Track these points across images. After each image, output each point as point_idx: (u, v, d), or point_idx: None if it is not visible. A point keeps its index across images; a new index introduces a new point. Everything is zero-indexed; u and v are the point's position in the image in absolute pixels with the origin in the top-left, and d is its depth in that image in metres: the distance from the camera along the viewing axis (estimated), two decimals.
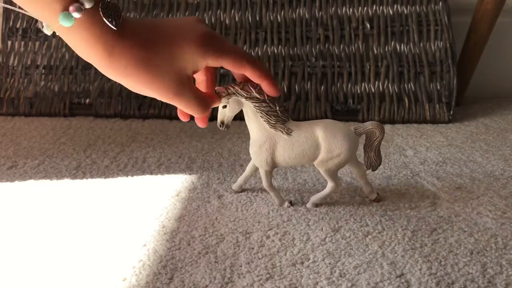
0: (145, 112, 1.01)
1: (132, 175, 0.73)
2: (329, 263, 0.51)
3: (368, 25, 1.05)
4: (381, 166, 0.76)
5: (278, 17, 1.06)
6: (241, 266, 0.51)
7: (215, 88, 0.58)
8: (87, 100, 1.03)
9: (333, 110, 1.00)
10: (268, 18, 1.06)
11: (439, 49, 1.03)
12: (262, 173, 0.62)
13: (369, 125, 0.61)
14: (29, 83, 1.05)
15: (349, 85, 1.02)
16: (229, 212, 0.62)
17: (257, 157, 0.62)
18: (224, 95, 0.58)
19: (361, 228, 0.58)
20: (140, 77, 0.48)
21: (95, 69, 1.05)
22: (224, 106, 0.59)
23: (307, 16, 1.06)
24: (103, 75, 1.04)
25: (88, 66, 1.05)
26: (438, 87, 1.01)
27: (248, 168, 0.66)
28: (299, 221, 0.60)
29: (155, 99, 1.01)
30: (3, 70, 1.07)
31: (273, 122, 0.60)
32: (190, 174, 0.73)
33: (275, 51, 1.05)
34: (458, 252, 0.53)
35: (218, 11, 1.07)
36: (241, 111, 0.60)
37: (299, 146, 0.60)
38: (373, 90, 1.01)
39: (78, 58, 1.06)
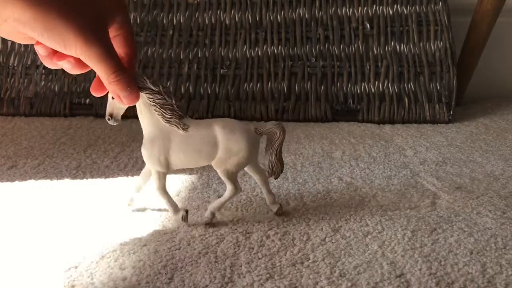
0: None
1: (133, 175, 0.73)
2: (329, 263, 0.51)
3: (368, 25, 1.05)
4: (381, 166, 0.76)
5: (278, 17, 1.06)
6: (241, 266, 0.51)
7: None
8: (87, 100, 1.03)
9: (333, 110, 1.00)
10: (268, 18, 1.06)
11: (439, 49, 1.03)
12: (154, 175, 0.57)
13: (269, 125, 0.58)
14: (29, 83, 1.05)
15: (349, 85, 1.02)
16: (229, 212, 0.62)
17: (149, 156, 0.56)
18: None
19: (361, 228, 0.58)
20: (52, 4, 0.43)
21: None
22: (113, 97, 0.53)
23: (307, 16, 1.06)
24: None
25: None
26: (438, 87, 1.01)
27: (142, 175, 0.60)
28: (299, 221, 0.60)
29: None
30: (3, 70, 1.07)
31: (168, 116, 0.55)
32: (190, 174, 0.73)
33: (275, 51, 1.05)
34: (458, 252, 0.53)
35: (218, 11, 1.07)
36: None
37: (196, 144, 0.56)
38: (373, 90, 1.01)
39: None
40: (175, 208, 0.59)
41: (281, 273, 0.49)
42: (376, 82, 1.02)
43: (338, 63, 1.03)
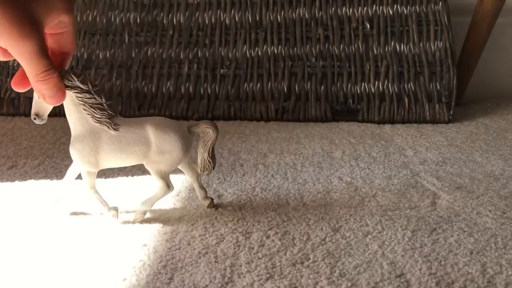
0: (145, 112, 1.01)
1: (132, 175, 0.73)
2: (329, 263, 0.51)
3: (368, 25, 1.05)
4: (381, 166, 0.76)
5: (278, 17, 1.06)
6: (241, 266, 0.51)
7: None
8: None
9: (333, 110, 1.00)
10: (268, 18, 1.06)
11: (439, 49, 1.03)
12: (84, 174, 0.56)
13: (202, 124, 0.58)
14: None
15: (349, 85, 1.02)
16: (229, 212, 0.62)
17: (79, 156, 0.55)
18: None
19: (361, 228, 0.58)
20: None
21: (95, 69, 1.05)
22: (39, 96, 0.52)
23: (307, 16, 1.06)
24: (103, 75, 1.04)
25: (88, 66, 1.05)
26: (438, 87, 1.01)
27: (69, 172, 0.59)
28: (299, 221, 0.60)
29: (155, 99, 1.01)
30: (3, 70, 1.07)
31: (98, 116, 0.54)
32: None
33: (275, 51, 1.05)
34: (458, 252, 0.53)
35: (218, 11, 1.07)
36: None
37: (128, 144, 0.55)
38: (373, 90, 1.01)
39: (78, 58, 1.06)
40: (106, 207, 0.58)
41: (281, 273, 0.49)
42: (376, 82, 1.02)
43: (338, 63, 1.03)
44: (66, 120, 0.57)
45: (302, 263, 0.51)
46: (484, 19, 1.03)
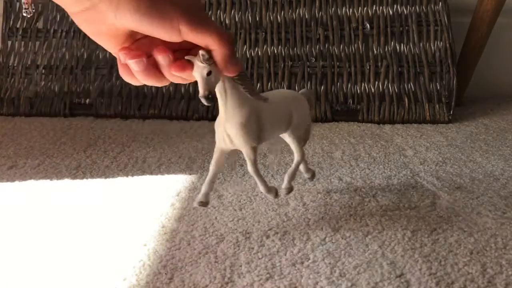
0: (145, 112, 1.01)
1: (132, 175, 0.73)
2: (329, 263, 0.51)
3: (368, 25, 1.05)
4: (381, 166, 0.76)
5: (278, 17, 1.06)
6: (241, 266, 0.51)
7: (185, 57, 0.49)
8: (88, 100, 1.03)
9: (333, 110, 1.00)
10: (268, 18, 1.06)
11: (439, 49, 1.03)
12: (249, 151, 0.56)
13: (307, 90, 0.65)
14: (29, 83, 1.05)
15: (349, 85, 1.02)
16: (229, 212, 0.62)
17: (249, 134, 0.55)
18: (207, 56, 0.48)
19: (361, 228, 0.58)
20: None
21: (95, 69, 1.05)
22: (209, 73, 0.49)
23: (307, 16, 1.06)
24: (103, 75, 1.04)
25: (88, 66, 1.05)
26: (438, 87, 1.01)
27: (214, 166, 0.57)
28: (299, 221, 0.60)
29: (155, 99, 1.01)
30: (3, 70, 1.07)
31: (251, 88, 0.54)
32: (190, 174, 0.73)
33: (275, 51, 1.05)
34: (458, 252, 0.53)
35: (218, 11, 1.07)
36: None
37: (278, 114, 0.58)
38: (373, 90, 1.01)
39: (78, 58, 1.06)
40: (267, 188, 0.57)
41: (281, 273, 0.49)
42: (376, 82, 1.02)
43: (338, 63, 1.03)
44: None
45: (302, 263, 0.51)
46: (484, 19, 1.03)
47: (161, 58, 0.48)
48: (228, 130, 0.55)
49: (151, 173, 0.74)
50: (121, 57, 0.47)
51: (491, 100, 1.13)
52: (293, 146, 0.62)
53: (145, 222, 0.60)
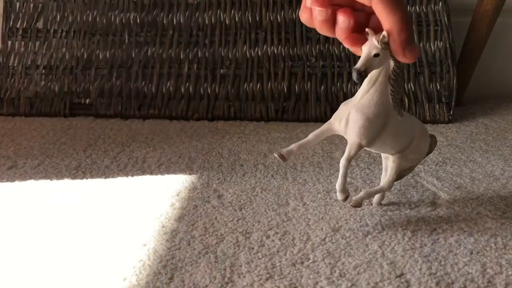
0: (145, 112, 1.01)
1: (132, 175, 0.73)
2: (329, 263, 0.51)
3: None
4: (381, 166, 0.76)
5: (278, 17, 1.06)
6: (241, 266, 0.51)
7: (366, 29, 0.50)
8: (88, 100, 1.03)
9: (333, 110, 1.00)
10: (268, 18, 1.06)
11: (439, 49, 1.03)
12: (353, 146, 0.53)
13: (434, 138, 0.60)
14: (29, 83, 1.05)
15: (349, 85, 1.02)
16: (229, 212, 0.62)
17: (366, 128, 0.52)
18: (386, 40, 0.49)
19: (361, 228, 0.58)
20: None
21: (95, 69, 1.05)
22: (376, 55, 0.50)
23: None
24: (103, 75, 1.04)
25: (88, 66, 1.05)
26: (438, 87, 1.01)
27: (314, 134, 0.55)
28: (299, 221, 0.60)
29: (155, 99, 1.01)
30: (3, 70, 1.07)
31: (398, 97, 0.53)
32: (190, 174, 0.73)
33: (275, 51, 1.05)
34: (458, 252, 0.53)
35: (218, 11, 1.07)
36: None
37: (402, 132, 0.55)
38: None
39: (78, 58, 1.06)
40: (343, 187, 0.55)
41: (281, 273, 0.49)
42: None
43: (338, 63, 1.03)
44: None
45: (302, 263, 0.51)
46: (484, 19, 1.03)
47: (342, 21, 0.50)
48: (351, 116, 0.53)
49: (151, 173, 0.74)
50: (308, 1, 0.50)
51: (491, 100, 1.13)
52: (389, 172, 0.58)
53: (145, 222, 0.60)
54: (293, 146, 0.55)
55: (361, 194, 0.57)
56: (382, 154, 0.61)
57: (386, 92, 0.52)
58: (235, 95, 1.02)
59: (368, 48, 0.50)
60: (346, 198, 0.55)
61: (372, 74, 0.52)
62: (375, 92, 0.53)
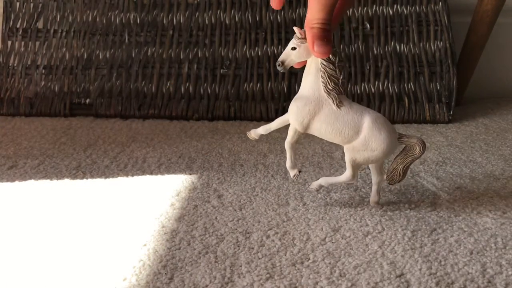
0: (145, 112, 1.01)
1: (132, 175, 0.73)
2: (329, 263, 0.51)
3: (368, 25, 1.05)
4: None
5: (278, 17, 1.06)
6: (241, 266, 0.51)
7: (294, 27, 0.57)
8: (87, 100, 1.03)
9: None
10: (268, 18, 1.06)
11: (439, 49, 1.03)
12: (291, 129, 0.60)
13: (413, 138, 0.60)
14: (29, 83, 1.05)
15: (349, 85, 1.02)
16: (229, 212, 0.62)
17: (296, 113, 0.59)
18: (300, 37, 0.57)
19: (361, 228, 0.58)
20: None
21: (95, 69, 1.05)
22: (294, 48, 0.57)
23: None
24: (103, 75, 1.04)
25: (88, 66, 1.05)
26: (438, 87, 1.01)
27: (277, 121, 0.62)
28: (299, 221, 0.60)
29: (155, 99, 1.01)
30: (3, 70, 1.07)
31: (330, 88, 0.57)
32: (190, 174, 0.73)
33: (275, 51, 1.05)
34: (458, 252, 0.53)
35: (218, 11, 1.07)
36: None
37: (341, 123, 0.58)
38: (373, 90, 1.01)
39: (78, 58, 1.06)
40: (292, 165, 0.61)
41: (281, 273, 0.49)
42: (376, 82, 1.02)
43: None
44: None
45: (302, 263, 0.51)
46: (484, 19, 1.03)
47: None
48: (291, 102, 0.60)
49: (151, 173, 0.74)
50: None
51: (491, 100, 1.13)
52: (346, 163, 0.60)
53: (145, 222, 0.60)
54: (260, 129, 0.62)
55: (320, 180, 0.62)
56: None
57: (318, 83, 0.58)
58: (235, 95, 1.02)
59: (290, 43, 0.58)
60: (297, 173, 0.62)
61: (307, 68, 0.58)
62: (306, 83, 0.59)
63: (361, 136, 0.58)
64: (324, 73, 0.57)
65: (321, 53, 0.55)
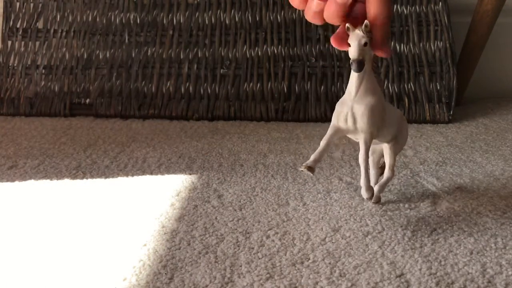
0: (145, 112, 1.01)
1: (132, 175, 0.73)
2: (329, 263, 0.51)
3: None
4: None
5: (278, 17, 1.06)
6: (241, 266, 0.51)
7: (346, 24, 0.52)
8: (88, 100, 1.03)
9: (333, 111, 1.00)
10: (268, 18, 1.06)
11: (439, 49, 1.03)
12: (367, 137, 0.55)
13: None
14: (29, 83, 1.05)
15: None
16: (229, 212, 0.62)
17: (371, 116, 0.54)
18: (369, 28, 0.51)
19: (361, 228, 0.58)
20: None
21: (95, 69, 1.05)
22: (365, 44, 0.52)
23: None
24: (103, 75, 1.04)
25: (88, 66, 1.05)
26: (438, 87, 1.01)
27: (326, 141, 0.55)
28: (299, 221, 0.60)
29: (155, 99, 1.01)
30: (3, 70, 1.07)
31: (381, 81, 0.58)
32: (190, 174, 0.73)
33: (275, 51, 1.05)
34: (457, 252, 0.53)
35: (218, 11, 1.07)
36: None
37: (392, 118, 0.58)
38: None
39: (78, 58, 1.06)
40: (367, 183, 0.57)
41: (281, 273, 0.49)
42: None
43: (338, 63, 1.03)
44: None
45: (302, 263, 0.51)
46: (484, 19, 1.03)
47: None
48: (355, 110, 0.55)
49: (151, 173, 0.74)
50: None
51: (491, 100, 1.13)
52: (389, 160, 0.61)
53: (145, 222, 0.60)
54: (314, 156, 0.55)
55: (376, 192, 0.61)
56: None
57: (375, 81, 0.55)
58: (235, 95, 1.02)
59: (356, 40, 0.52)
60: (371, 196, 0.58)
61: (367, 73, 0.55)
62: (367, 82, 0.54)
63: (398, 128, 0.60)
64: (377, 70, 0.56)
65: (388, 52, 0.53)
